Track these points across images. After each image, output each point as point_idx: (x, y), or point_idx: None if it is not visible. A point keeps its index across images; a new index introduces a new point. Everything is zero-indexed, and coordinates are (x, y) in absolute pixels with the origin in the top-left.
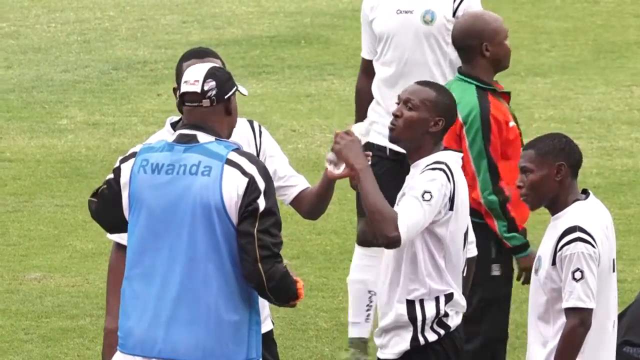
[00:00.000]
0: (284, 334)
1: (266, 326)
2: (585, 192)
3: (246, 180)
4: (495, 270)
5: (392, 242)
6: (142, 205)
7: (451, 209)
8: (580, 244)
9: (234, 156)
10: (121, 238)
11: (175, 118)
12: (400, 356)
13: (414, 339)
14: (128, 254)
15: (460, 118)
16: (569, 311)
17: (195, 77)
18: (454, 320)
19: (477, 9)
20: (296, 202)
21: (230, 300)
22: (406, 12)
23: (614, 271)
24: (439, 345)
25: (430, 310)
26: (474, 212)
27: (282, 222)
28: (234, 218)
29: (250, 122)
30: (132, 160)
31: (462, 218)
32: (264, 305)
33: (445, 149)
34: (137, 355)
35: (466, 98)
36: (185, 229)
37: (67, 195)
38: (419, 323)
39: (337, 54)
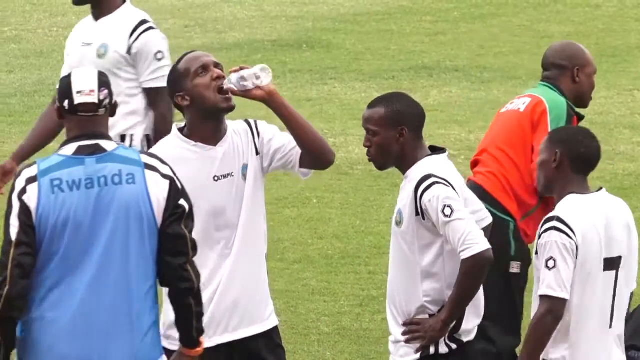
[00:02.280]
0: (286, 338)
1: (273, 321)
2: (600, 189)
3: (167, 182)
4: (514, 268)
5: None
6: (64, 226)
7: None
8: (554, 232)
9: (147, 159)
10: None
11: (181, 124)
12: None
13: (425, 348)
14: (39, 282)
15: (546, 105)
16: (541, 298)
17: (89, 86)
18: (469, 335)
19: (153, 47)
20: (303, 161)
21: (152, 306)
22: (86, 44)
23: (613, 269)
24: (448, 358)
25: None
26: (497, 205)
27: (284, 225)
28: (159, 222)
29: (247, 121)
30: (33, 187)
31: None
32: (268, 300)
33: (431, 148)
34: None
35: (557, 103)
36: (118, 241)
37: None
38: None
39: (339, 58)
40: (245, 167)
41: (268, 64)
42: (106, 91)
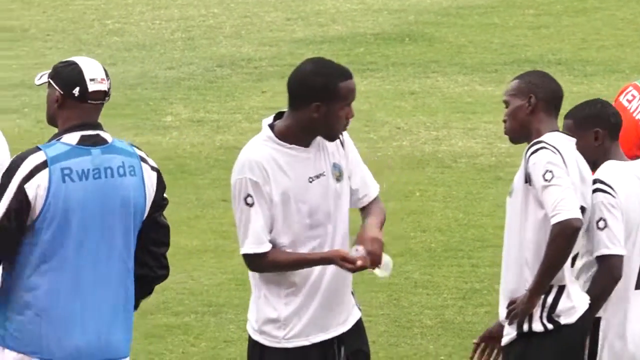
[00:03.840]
0: (389, 331)
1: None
2: None
3: (156, 174)
4: None
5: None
6: (73, 215)
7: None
8: (599, 194)
9: (139, 152)
10: (258, 248)
11: (270, 120)
12: (508, 343)
13: (520, 325)
14: (34, 268)
15: None
16: (598, 260)
17: (100, 75)
18: (568, 318)
19: None
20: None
21: (131, 295)
22: None
23: None
24: (543, 338)
25: (543, 300)
26: None
27: (387, 219)
28: (147, 213)
29: None
30: (43, 174)
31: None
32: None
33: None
34: None
35: None
36: (121, 231)
37: (171, 192)
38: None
39: (441, 51)
40: (335, 166)
41: (370, 57)
42: (109, 81)
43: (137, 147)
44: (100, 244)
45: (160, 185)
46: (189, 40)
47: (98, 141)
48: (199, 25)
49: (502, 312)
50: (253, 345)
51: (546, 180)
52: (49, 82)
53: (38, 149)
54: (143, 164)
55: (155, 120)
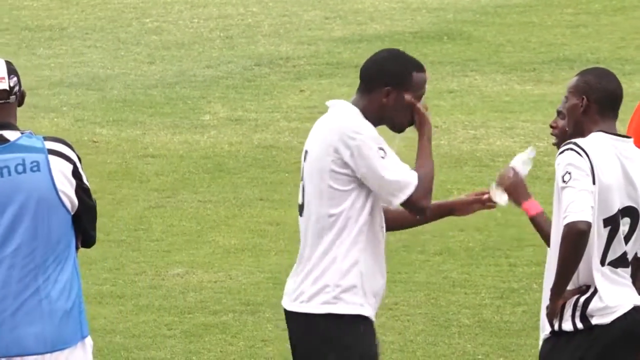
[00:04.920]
0: (426, 330)
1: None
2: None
3: (71, 165)
4: None
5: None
6: None
7: (593, 183)
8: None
9: (50, 145)
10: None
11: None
12: (543, 340)
13: (552, 324)
14: None
15: None
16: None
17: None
18: (601, 318)
19: None
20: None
21: (63, 287)
22: None
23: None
24: (572, 337)
25: (576, 300)
26: None
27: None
28: (68, 204)
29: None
30: None
31: (607, 197)
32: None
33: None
34: None
35: None
36: (24, 226)
37: (210, 191)
38: (565, 310)
39: (480, 50)
40: None
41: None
42: (15, 78)
43: (51, 139)
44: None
45: (78, 174)
46: (228, 39)
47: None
48: (237, 24)
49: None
50: (325, 318)
51: (564, 181)
52: None
53: None
54: (53, 156)
55: (194, 119)
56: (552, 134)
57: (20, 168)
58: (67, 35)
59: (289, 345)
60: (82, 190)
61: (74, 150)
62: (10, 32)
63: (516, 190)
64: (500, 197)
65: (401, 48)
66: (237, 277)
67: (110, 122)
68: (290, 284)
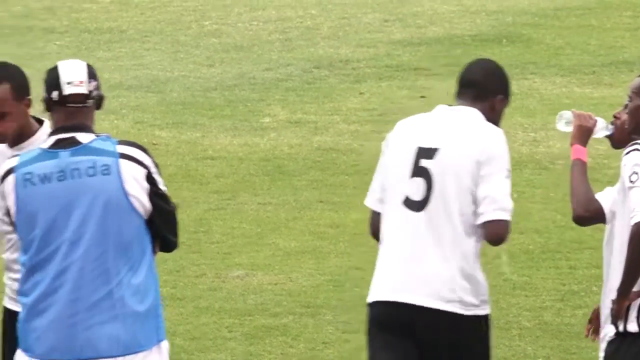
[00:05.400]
0: None
1: None
2: None
3: (144, 170)
4: None
5: (576, 220)
6: (35, 217)
7: None
8: None
9: (123, 149)
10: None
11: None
12: (607, 342)
13: (616, 325)
14: (25, 270)
15: None
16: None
17: (78, 77)
18: None
19: None
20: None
21: (135, 290)
22: None
23: None
24: (637, 339)
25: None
26: None
27: None
28: (140, 209)
29: None
30: (10, 179)
31: None
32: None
33: None
34: None
35: None
36: (93, 230)
37: (270, 194)
38: (630, 311)
39: (539, 53)
40: None
41: (468, 58)
42: (95, 83)
43: (124, 143)
44: (68, 243)
45: (152, 179)
46: (287, 42)
47: (72, 143)
48: (296, 27)
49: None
50: (482, 319)
51: (631, 182)
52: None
53: (18, 154)
54: (124, 160)
55: (253, 122)
56: (611, 123)
57: (91, 171)
58: (126, 37)
59: (349, 347)
60: (156, 195)
61: (149, 156)
62: (69, 35)
63: (582, 133)
64: (563, 125)
65: (460, 51)
66: (297, 280)
67: (169, 124)
68: (429, 277)
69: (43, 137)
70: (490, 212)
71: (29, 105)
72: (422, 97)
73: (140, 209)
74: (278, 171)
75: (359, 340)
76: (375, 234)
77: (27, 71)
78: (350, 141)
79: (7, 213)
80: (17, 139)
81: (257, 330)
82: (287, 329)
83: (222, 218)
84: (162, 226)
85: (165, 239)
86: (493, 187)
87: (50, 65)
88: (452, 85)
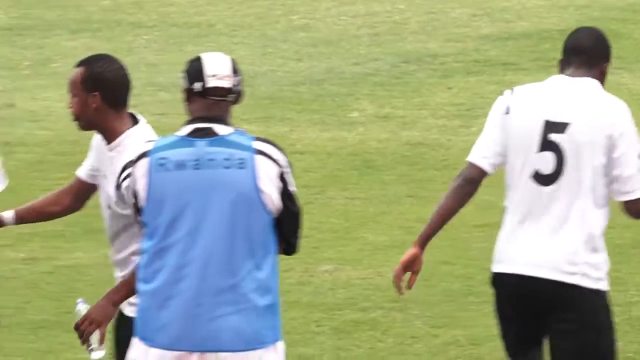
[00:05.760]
0: None
1: None
2: None
3: (278, 168)
4: None
5: None
6: (166, 203)
7: None
8: None
9: (259, 145)
10: None
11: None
12: None
13: None
14: (147, 256)
15: None
16: None
17: (223, 71)
18: None
19: None
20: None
21: (258, 286)
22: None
23: None
24: None
25: None
26: None
27: None
28: (270, 206)
29: None
30: (143, 162)
31: None
32: None
33: None
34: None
35: None
36: (223, 221)
37: (358, 188)
38: None
39: (627, 47)
40: None
41: (556, 53)
42: (238, 78)
43: (262, 140)
44: (197, 232)
45: (285, 177)
46: (375, 36)
47: (209, 134)
48: (384, 21)
49: None
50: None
51: None
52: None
53: (154, 140)
54: (260, 156)
55: (342, 116)
56: None
57: (226, 163)
58: (214, 32)
59: (437, 342)
60: (286, 195)
61: (284, 154)
62: (158, 29)
63: None
64: None
65: (548, 46)
66: (386, 274)
67: (258, 118)
68: (556, 251)
69: (135, 136)
70: (638, 190)
71: (94, 100)
72: None
73: (270, 206)
74: (366, 166)
75: (447, 335)
76: (465, 187)
77: None
78: (438, 136)
79: (134, 196)
80: (105, 137)
81: (345, 324)
82: (376, 323)
83: (311, 212)
84: (286, 226)
85: (287, 240)
86: (632, 163)
87: (137, 60)
88: (540, 79)
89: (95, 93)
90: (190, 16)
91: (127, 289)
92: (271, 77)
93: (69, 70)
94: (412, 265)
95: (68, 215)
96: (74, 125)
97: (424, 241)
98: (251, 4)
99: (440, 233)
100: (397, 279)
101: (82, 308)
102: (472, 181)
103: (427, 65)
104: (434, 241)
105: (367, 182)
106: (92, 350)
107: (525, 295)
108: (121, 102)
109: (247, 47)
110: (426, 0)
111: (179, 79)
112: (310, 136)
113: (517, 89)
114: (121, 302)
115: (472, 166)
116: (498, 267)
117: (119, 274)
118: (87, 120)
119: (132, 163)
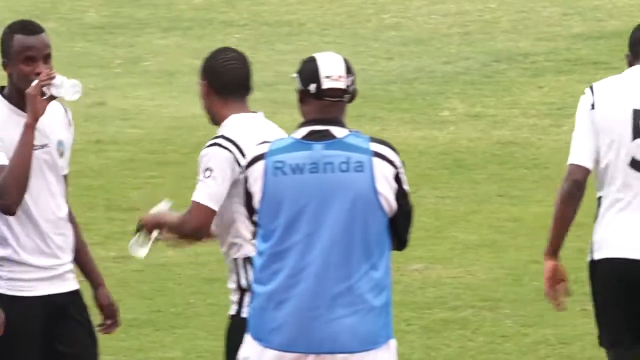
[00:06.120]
0: None
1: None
2: None
3: (394, 169)
4: None
5: None
6: (281, 206)
7: None
8: None
9: (376, 147)
10: None
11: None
12: None
13: None
14: (264, 258)
15: None
16: None
17: (338, 72)
18: None
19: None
20: None
21: (374, 286)
22: None
23: None
24: None
25: None
26: None
27: None
28: (387, 207)
29: None
30: (259, 164)
31: None
32: None
33: None
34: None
35: None
36: (340, 226)
37: (449, 187)
38: None
39: None
40: None
41: None
42: (352, 77)
43: (377, 141)
44: (314, 236)
45: (400, 179)
46: (466, 35)
47: (325, 136)
48: (475, 20)
49: None
50: None
51: None
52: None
53: (269, 141)
54: (377, 159)
55: (432, 115)
56: None
57: (344, 166)
58: (305, 30)
59: (527, 341)
60: (401, 195)
61: (398, 154)
62: (249, 28)
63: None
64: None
65: None
66: (477, 273)
67: (349, 117)
68: None
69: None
70: None
71: (203, 89)
72: None
73: (387, 208)
74: (457, 164)
75: (538, 334)
76: (576, 194)
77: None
78: (529, 135)
79: (249, 197)
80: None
81: (435, 323)
82: (466, 322)
83: None
84: (401, 224)
85: (400, 237)
86: None
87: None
88: None
89: (204, 82)
90: (281, 15)
91: (172, 225)
92: (362, 76)
93: (160, 68)
94: (557, 277)
95: None
96: (164, 123)
97: (555, 251)
98: (342, 2)
99: (533, 233)
100: (553, 298)
101: (164, 206)
102: (581, 185)
103: (518, 64)
104: (525, 241)
105: (457, 181)
106: (137, 245)
107: (636, 280)
108: (229, 90)
109: (339, 46)
110: None
111: (272, 78)
112: (401, 135)
113: (595, 85)
114: (168, 228)
115: (577, 168)
116: (602, 254)
117: (222, 249)
118: (209, 111)
119: (247, 165)
